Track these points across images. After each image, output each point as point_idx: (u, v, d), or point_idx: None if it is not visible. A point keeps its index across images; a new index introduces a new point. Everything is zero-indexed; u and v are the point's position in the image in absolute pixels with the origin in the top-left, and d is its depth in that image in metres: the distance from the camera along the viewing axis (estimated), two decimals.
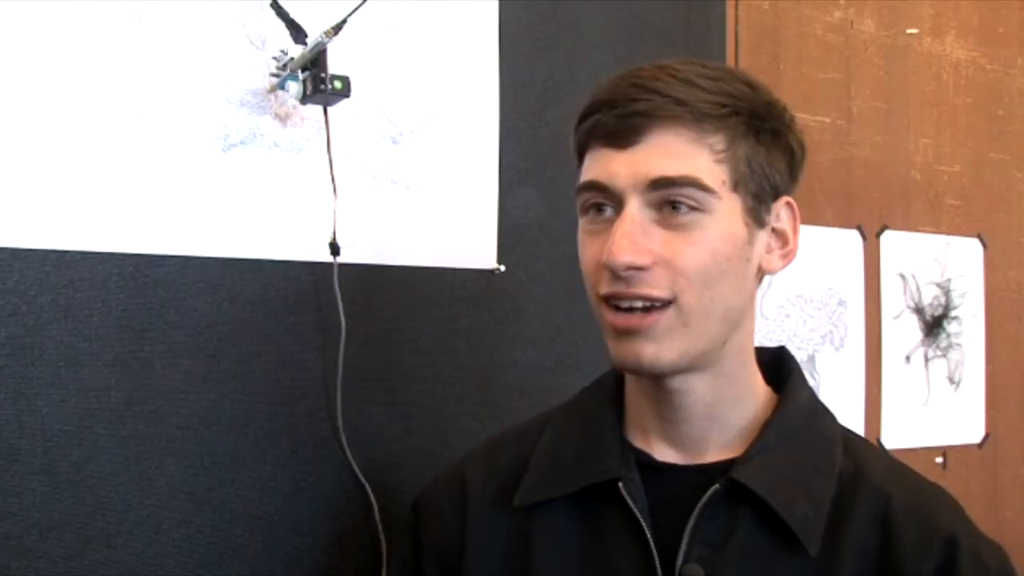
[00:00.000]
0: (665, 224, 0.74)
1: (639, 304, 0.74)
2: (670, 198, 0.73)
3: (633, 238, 0.72)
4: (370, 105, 1.12)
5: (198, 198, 1.02)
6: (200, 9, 1.02)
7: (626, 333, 0.75)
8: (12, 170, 0.93)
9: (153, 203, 1.00)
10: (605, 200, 0.75)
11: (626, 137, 0.74)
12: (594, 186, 0.76)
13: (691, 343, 0.75)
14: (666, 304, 0.74)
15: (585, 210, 0.78)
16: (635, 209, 0.73)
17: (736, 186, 0.75)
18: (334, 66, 1.03)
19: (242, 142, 1.05)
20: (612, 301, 0.75)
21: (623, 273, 0.73)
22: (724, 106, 0.74)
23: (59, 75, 0.95)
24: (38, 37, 0.94)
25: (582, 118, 0.78)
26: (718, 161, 0.74)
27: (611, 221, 0.75)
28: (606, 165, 0.75)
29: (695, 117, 0.73)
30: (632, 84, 0.75)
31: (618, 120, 0.74)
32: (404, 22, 1.15)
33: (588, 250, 0.77)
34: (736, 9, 1.46)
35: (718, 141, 0.74)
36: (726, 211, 0.74)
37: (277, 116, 1.07)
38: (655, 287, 0.73)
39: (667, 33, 1.36)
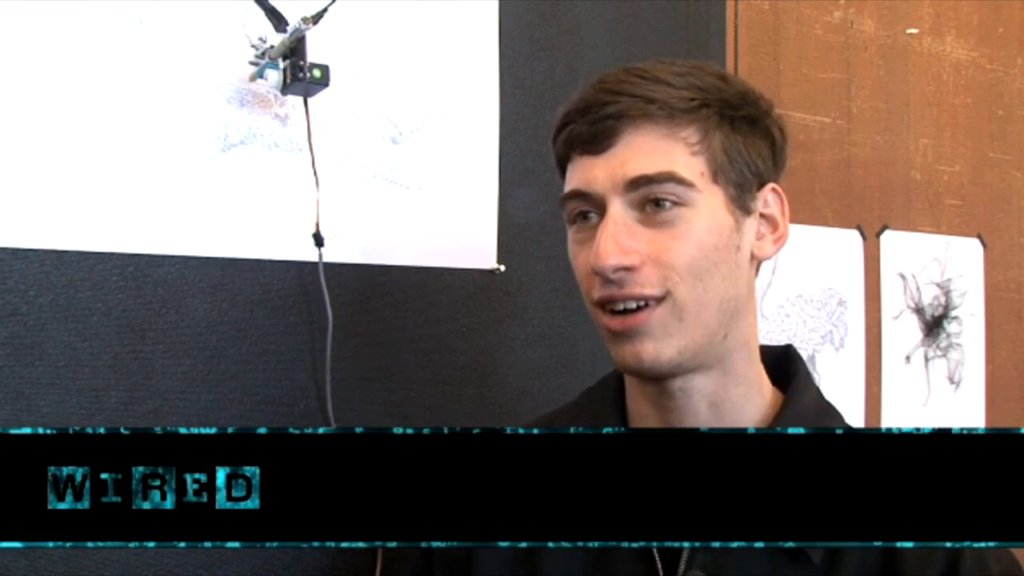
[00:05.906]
0: (649, 222, 0.74)
1: (633, 305, 0.74)
2: (651, 196, 0.73)
3: (618, 239, 0.73)
4: (370, 105, 1.12)
5: (198, 198, 1.02)
6: (200, 9, 1.02)
7: (623, 334, 0.74)
8: (12, 170, 0.93)
9: (153, 203, 1.00)
10: (589, 207, 0.76)
11: (600, 142, 0.74)
12: (576, 195, 0.76)
13: (689, 337, 0.74)
14: (659, 300, 0.74)
15: (572, 220, 0.78)
16: (617, 211, 0.73)
17: (716, 176, 0.75)
18: (335, 65, 1.03)
19: (242, 142, 1.05)
20: (608, 306, 0.75)
21: (612, 276, 0.73)
22: (694, 99, 0.74)
23: (59, 75, 0.95)
24: (38, 37, 0.94)
25: (558, 131, 0.78)
26: (694, 154, 0.74)
27: (597, 227, 0.75)
28: (585, 172, 0.75)
29: (666, 113, 0.73)
30: (600, 90, 0.75)
31: (591, 126, 0.74)
32: (404, 22, 1.15)
33: (579, 258, 0.78)
34: (736, 9, 1.46)
35: (691, 134, 0.74)
36: (708, 202, 0.74)
37: (277, 116, 1.07)
38: (646, 286, 0.73)
39: (667, 33, 1.36)
